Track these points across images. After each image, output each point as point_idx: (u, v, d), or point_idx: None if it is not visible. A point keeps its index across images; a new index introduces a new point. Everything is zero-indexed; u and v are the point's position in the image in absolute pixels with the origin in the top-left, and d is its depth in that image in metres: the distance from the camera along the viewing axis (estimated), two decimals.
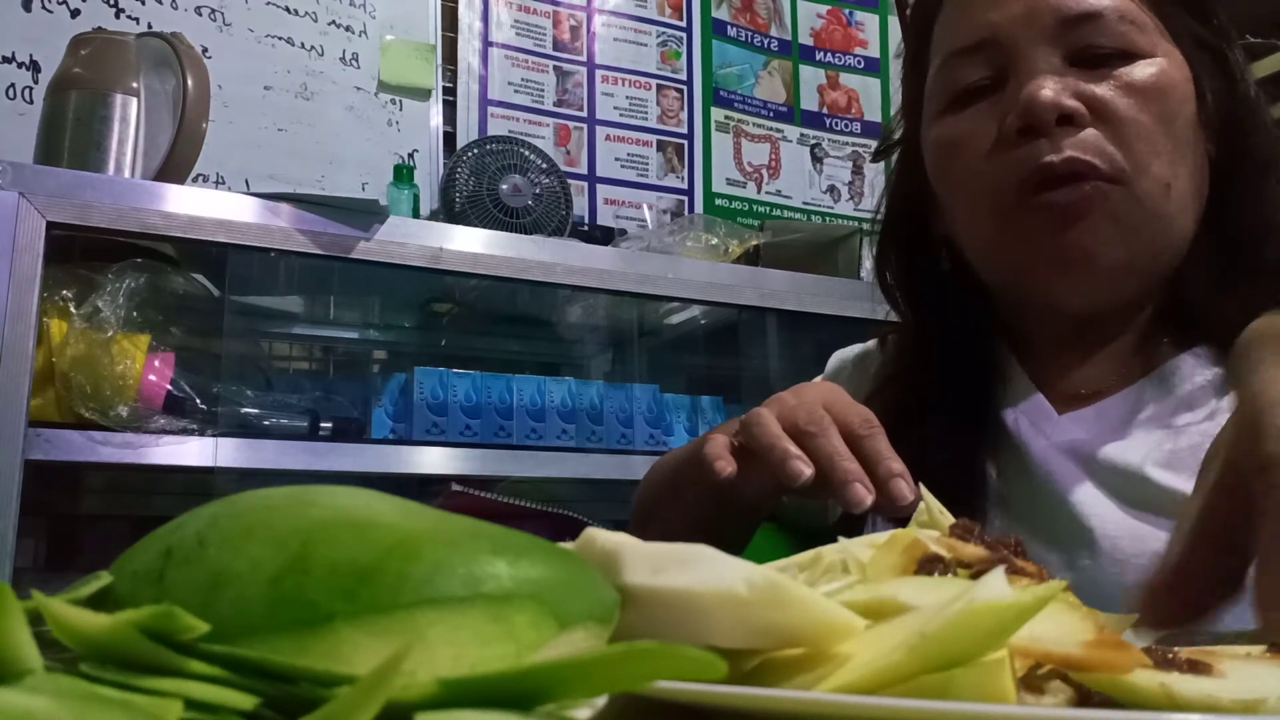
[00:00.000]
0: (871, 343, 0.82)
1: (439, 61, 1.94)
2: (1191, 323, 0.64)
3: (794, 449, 0.52)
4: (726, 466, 0.55)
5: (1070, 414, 0.66)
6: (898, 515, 0.50)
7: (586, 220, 2.00)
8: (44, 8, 1.64)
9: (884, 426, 0.54)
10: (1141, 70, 0.62)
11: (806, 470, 0.51)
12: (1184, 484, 0.58)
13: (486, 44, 2.01)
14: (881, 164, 0.82)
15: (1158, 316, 0.66)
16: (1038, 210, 0.61)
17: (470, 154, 1.83)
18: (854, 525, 0.63)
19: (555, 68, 2.07)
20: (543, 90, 2.05)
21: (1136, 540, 0.59)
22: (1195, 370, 0.63)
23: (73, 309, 1.22)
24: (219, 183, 1.71)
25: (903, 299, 0.76)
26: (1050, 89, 0.60)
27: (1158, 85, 0.62)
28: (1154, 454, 0.60)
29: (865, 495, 0.49)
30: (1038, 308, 0.69)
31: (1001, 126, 0.63)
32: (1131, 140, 0.61)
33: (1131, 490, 0.60)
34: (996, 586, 0.22)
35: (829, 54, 2.39)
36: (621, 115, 2.12)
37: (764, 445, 0.53)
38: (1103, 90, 0.61)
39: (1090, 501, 0.61)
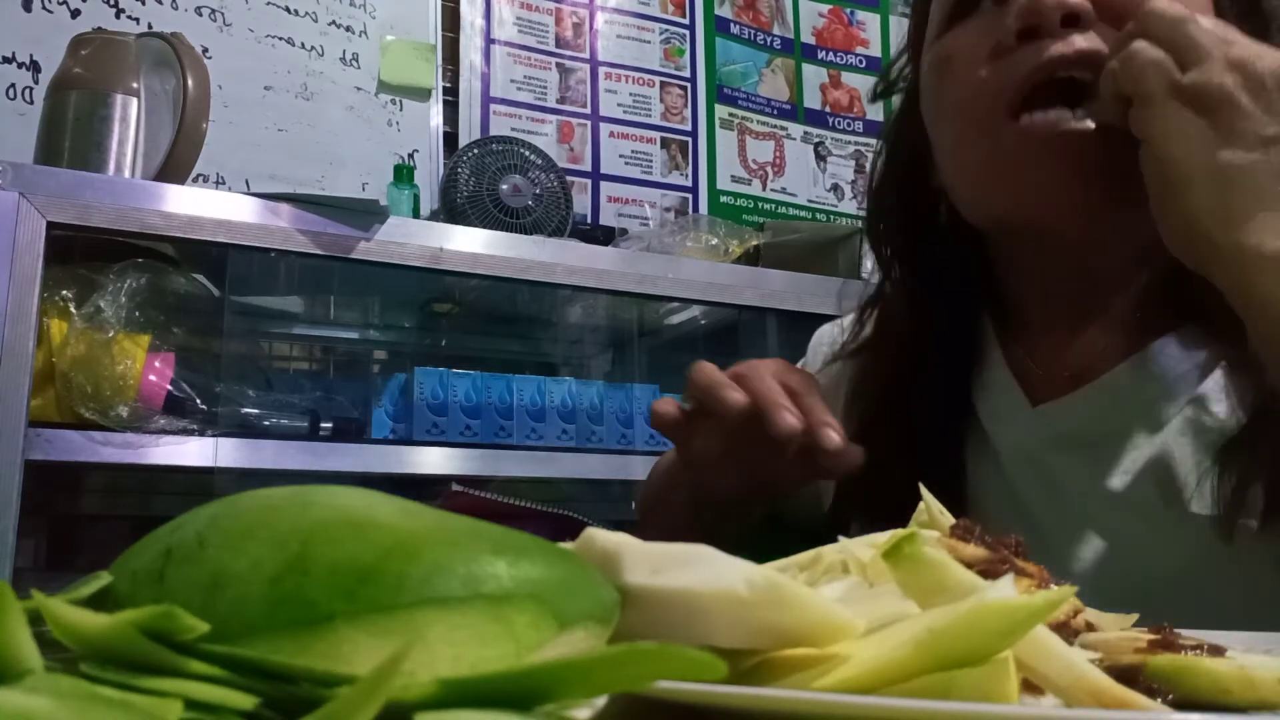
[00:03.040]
0: (848, 319, 0.78)
1: (439, 61, 1.94)
2: (1180, 299, 0.60)
3: (731, 385, 0.56)
4: (671, 410, 0.59)
5: (1047, 405, 0.63)
6: (832, 472, 0.55)
7: (590, 218, 2.00)
8: (44, 8, 1.64)
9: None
10: None
11: (740, 398, 0.54)
12: (1159, 480, 0.57)
13: (489, 41, 2.01)
14: None
15: (1147, 290, 0.62)
16: (1036, 131, 0.56)
17: (470, 154, 1.83)
18: (849, 525, 0.63)
19: (558, 65, 2.07)
20: (545, 88, 2.05)
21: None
22: (1181, 352, 0.60)
23: (73, 309, 1.22)
24: (219, 183, 1.71)
25: (894, 254, 0.72)
26: None
27: None
28: (1130, 450, 0.59)
29: (795, 422, 0.52)
30: (1028, 253, 0.64)
31: (1001, 35, 0.57)
32: None
33: (1106, 486, 0.59)
34: (1006, 588, 0.23)
35: (831, 53, 2.39)
36: (625, 112, 2.12)
37: (703, 385, 0.57)
38: None
39: (1066, 498, 0.60)
